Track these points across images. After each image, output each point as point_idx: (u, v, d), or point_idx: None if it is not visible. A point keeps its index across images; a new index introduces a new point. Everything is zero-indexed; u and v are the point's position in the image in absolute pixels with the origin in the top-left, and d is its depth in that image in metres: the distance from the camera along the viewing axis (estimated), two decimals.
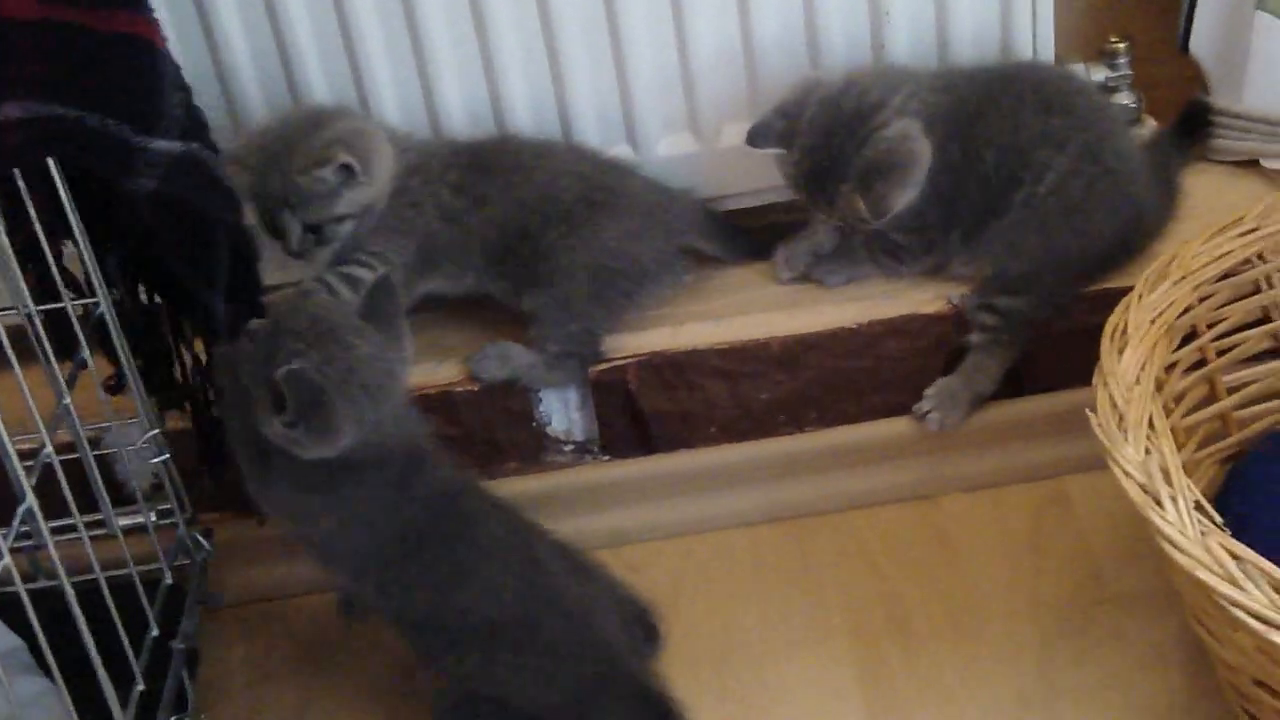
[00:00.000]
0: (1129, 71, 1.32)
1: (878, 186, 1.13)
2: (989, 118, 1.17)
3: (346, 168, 1.14)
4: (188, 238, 1.01)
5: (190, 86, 1.01)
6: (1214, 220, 1.09)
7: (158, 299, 1.12)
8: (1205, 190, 1.28)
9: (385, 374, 0.97)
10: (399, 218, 1.18)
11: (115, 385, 1.10)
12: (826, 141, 1.15)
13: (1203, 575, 0.79)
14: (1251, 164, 1.31)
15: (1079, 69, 1.31)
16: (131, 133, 0.92)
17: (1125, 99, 1.33)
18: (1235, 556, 0.79)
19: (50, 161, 0.97)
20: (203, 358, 1.13)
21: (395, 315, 1.00)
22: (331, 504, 0.99)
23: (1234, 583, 0.78)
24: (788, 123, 1.17)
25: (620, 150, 1.26)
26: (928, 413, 1.19)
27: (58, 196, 1.00)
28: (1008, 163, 1.16)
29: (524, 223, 1.18)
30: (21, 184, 0.96)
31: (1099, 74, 1.32)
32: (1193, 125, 1.31)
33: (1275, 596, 0.77)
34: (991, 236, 1.18)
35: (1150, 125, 1.34)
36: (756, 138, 1.18)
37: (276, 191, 1.14)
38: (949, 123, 1.16)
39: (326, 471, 0.97)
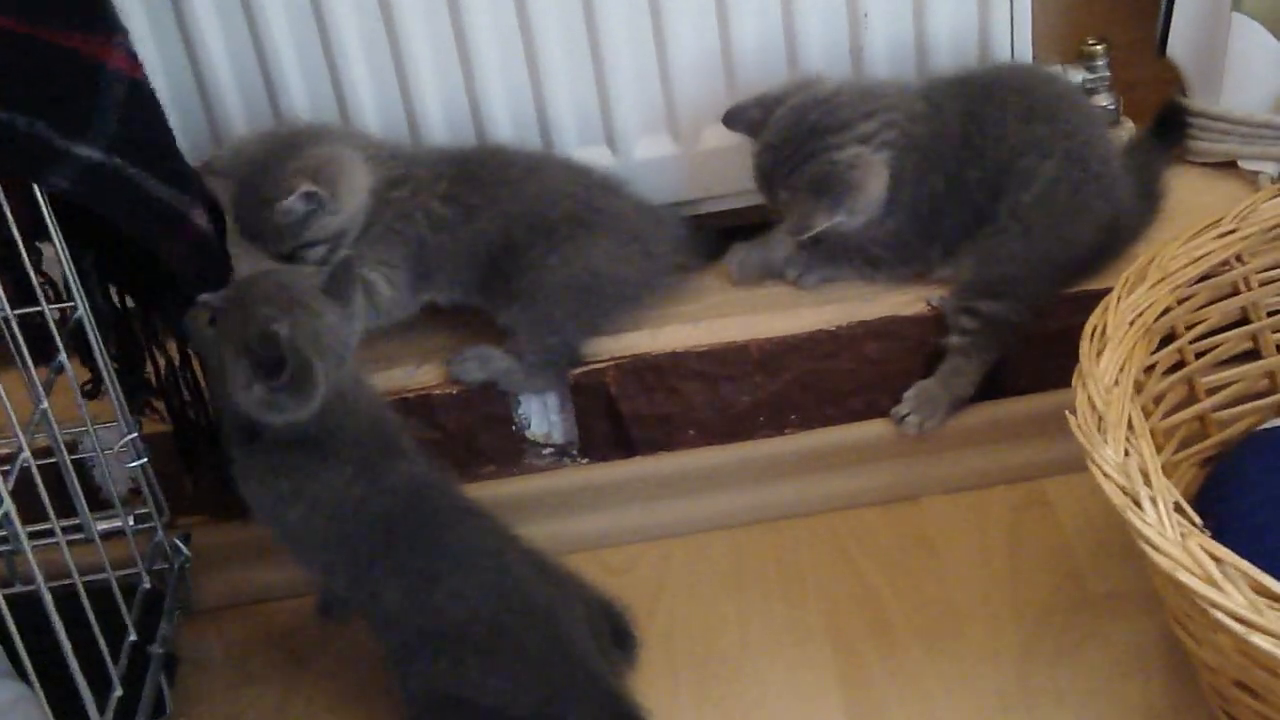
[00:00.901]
0: (1107, 73, 1.33)
1: (807, 203, 1.15)
2: (973, 139, 1.17)
3: (312, 195, 1.13)
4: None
5: (155, 114, 1.01)
6: (1192, 222, 1.09)
7: (129, 301, 1.12)
8: (1184, 191, 1.28)
9: (344, 344, 1.01)
10: (390, 229, 1.18)
11: (93, 389, 1.10)
12: (782, 146, 1.16)
13: (1182, 577, 0.79)
14: (1230, 165, 1.31)
15: (1057, 70, 1.32)
16: (55, 135, 0.94)
17: (1103, 100, 1.33)
18: (1215, 558, 0.79)
19: None
20: (176, 359, 1.13)
21: (351, 294, 1.03)
22: (299, 486, 1.00)
23: (1214, 584, 0.78)
24: (762, 113, 1.18)
25: (598, 152, 1.26)
26: (906, 416, 1.20)
27: (34, 200, 1.00)
28: (992, 176, 1.17)
29: (511, 236, 1.18)
30: None
31: (1077, 75, 1.33)
32: (1169, 127, 1.32)
33: (1255, 598, 0.77)
34: (975, 243, 1.18)
35: (1129, 127, 1.34)
36: (732, 119, 1.20)
37: (249, 221, 1.15)
38: (932, 153, 1.17)
39: (295, 451, 1.00)
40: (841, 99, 1.17)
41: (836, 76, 1.21)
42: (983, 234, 1.18)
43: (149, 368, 1.14)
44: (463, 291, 1.21)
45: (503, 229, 1.18)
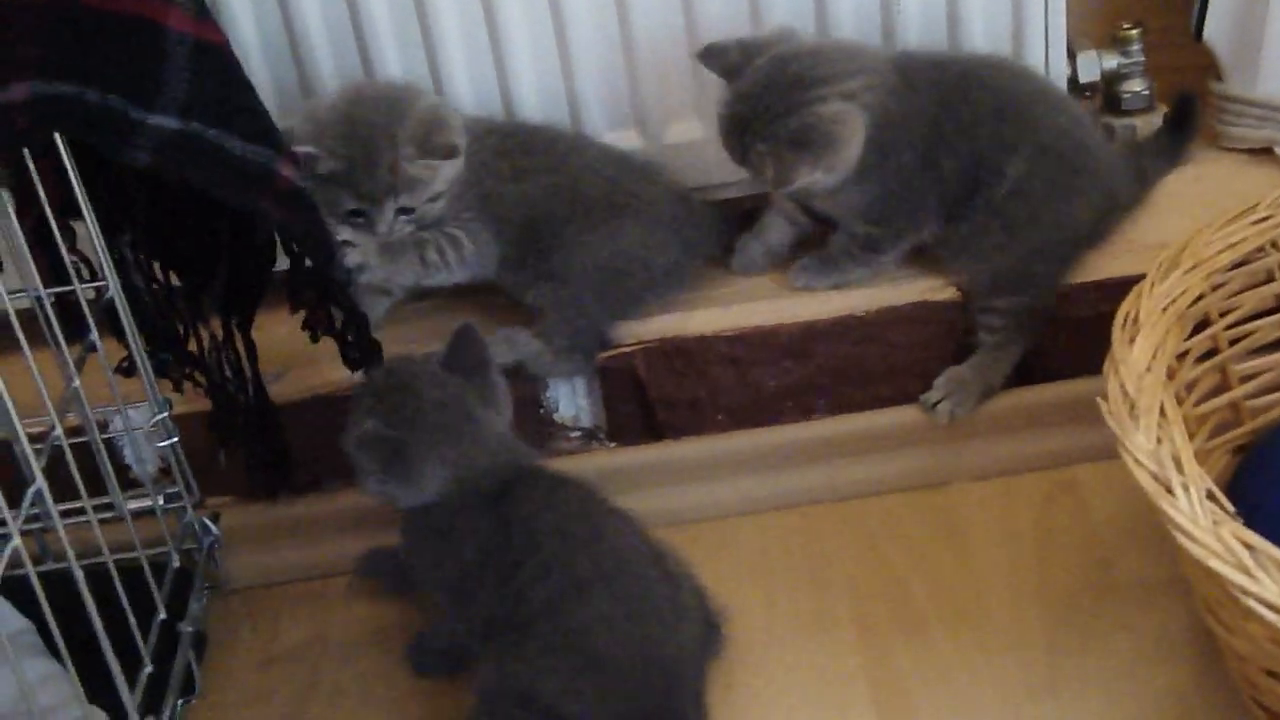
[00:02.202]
0: (1142, 58, 1.32)
1: (788, 156, 1.12)
2: (944, 129, 1.16)
3: (452, 149, 1.14)
4: (192, 213, 1.02)
5: (229, 71, 0.99)
6: (1227, 208, 1.08)
7: (173, 279, 1.12)
8: (1218, 178, 1.27)
9: (462, 415, 1.02)
10: (469, 184, 1.19)
11: (128, 368, 1.10)
12: (760, 96, 1.13)
13: (1214, 564, 0.78)
14: (1265, 152, 1.30)
15: (1090, 56, 1.31)
16: (129, 106, 0.93)
17: (1137, 86, 1.32)
18: (1248, 545, 0.78)
19: (60, 142, 0.98)
20: (220, 335, 1.13)
21: (481, 360, 1.04)
22: (444, 549, 1.02)
23: (1246, 571, 0.77)
24: (741, 58, 1.15)
25: (626, 135, 1.26)
26: (937, 403, 1.19)
27: (67, 179, 1.00)
28: (967, 169, 1.16)
29: (552, 207, 1.18)
30: (31, 165, 0.96)
31: (1111, 60, 1.31)
32: (1181, 119, 1.30)
33: None
34: (966, 240, 1.18)
35: (1162, 113, 1.33)
36: (709, 56, 1.16)
37: (383, 180, 1.14)
38: (905, 128, 1.16)
39: (432, 519, 1.02)
40: (825, 54, 1.15)
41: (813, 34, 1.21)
42: (971, 229, 1.17)
43: (192, 345, 1.14)
44: (498, 263, 1.21)
45: (546, 198, 1.18)
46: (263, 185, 0.99)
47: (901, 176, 1.16)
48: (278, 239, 1.06)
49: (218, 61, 0.97)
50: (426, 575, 1.04)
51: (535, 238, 1.18)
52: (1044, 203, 1.16)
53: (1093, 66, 1.31)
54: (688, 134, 1.27)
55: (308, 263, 1.05)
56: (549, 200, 1.18)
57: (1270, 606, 0.76)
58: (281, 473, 1.18)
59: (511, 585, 0.98)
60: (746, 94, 1.14)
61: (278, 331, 1.14)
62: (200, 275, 1.09)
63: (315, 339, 1.10)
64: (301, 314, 1.09)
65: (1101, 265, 1.20)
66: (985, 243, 1.17)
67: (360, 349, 1.10)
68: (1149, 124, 1.33)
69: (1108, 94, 1.33)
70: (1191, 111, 1.30)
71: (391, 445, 0.99)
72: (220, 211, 1.03)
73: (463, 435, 1.01)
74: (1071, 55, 1.30)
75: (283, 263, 1.08)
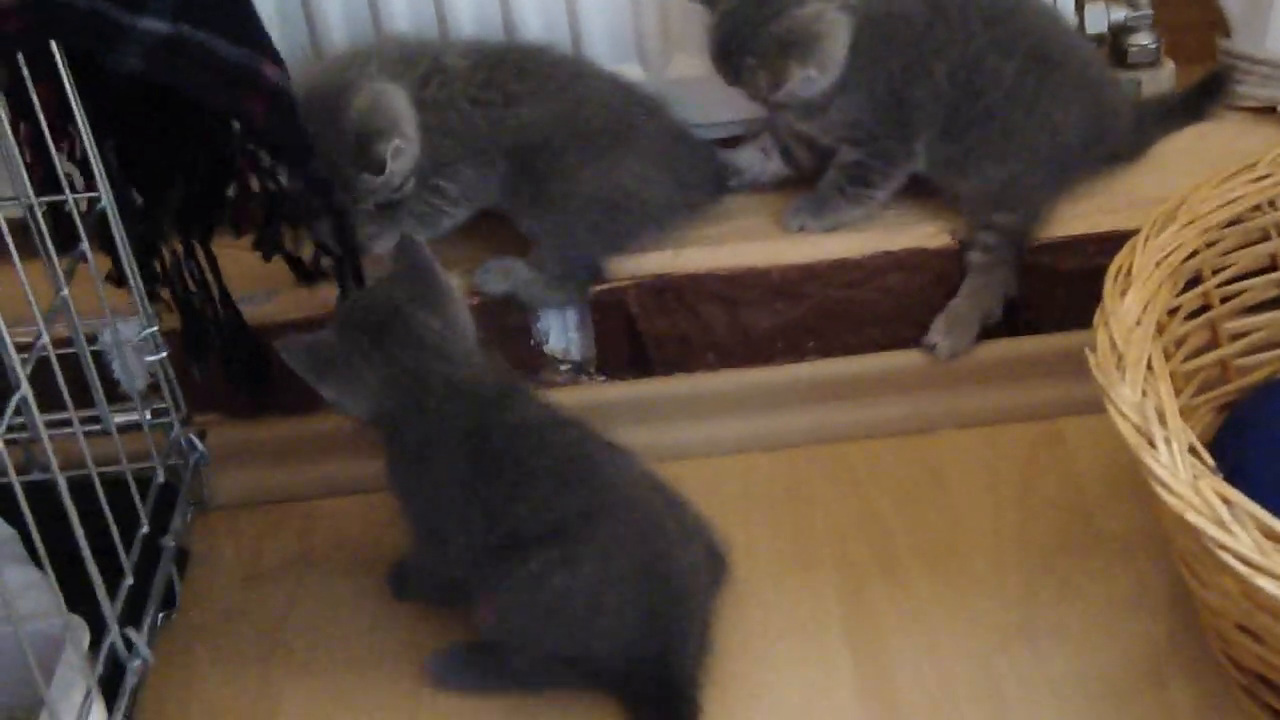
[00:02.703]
0: (1149, 11, 1.31)
1: (777, 61, 1.14)
2: (936, 30, 1.16)
3: (381, 165, 1.11)
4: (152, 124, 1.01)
5: None
6: (1228, 165, 1.08)
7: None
8: (1222, 136, 1.27)
9: (393, 318, 0.99)
10: (431, 129, 1.16)
11: (118, 279, 1.10)
12: (740, 12, 1.15)
13: (1191, 517, 0.79)
14: (1270, 111, 1.29)
15: (1099, 8, 1.30)
16: (117, 10, 0.92)
17: (1144, 39, 1.31)
18: (1225, 500, 0.79)
19: (55, 48, 0.97)
20: (180, 251, 1.13)
21: (423, 270, 1.01)
22: (419, 472, 1.01)
23: (1222, 525, 0.78)
24: None
25: (630, 69, 1.25)
26: (937, 343, 1.19)
27: (60, 88, 0.99)
28: (962, 75, 1.16)
29: (549, 135, 1.17)
30: (25, 71, 0.95)
31: (1119, 13, 1.30)
32: (1209, 91, 1.29)
33: (1262, 540, 0.77)
34: (964, 156, 1.18)
35: (1169, 68, 1.32)
36: None
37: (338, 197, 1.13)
38: (886, 34, 1.16)
39: (405, 440, 1.01)
40: None
41: None
42: (970, 140, 1.17)
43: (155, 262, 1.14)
44: (496, 188, 1.19)
45: (544, 124, 1.17)
46: (248, 88, 0.98)
47: (891, 85, 1.17)
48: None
49: None
50: (404, 500, 1.04)
51: (531, 163, 1.17)
52: (1038, 107, 1.17)
53: (1100, 18, 1.30)
54: (690, 69, 1.26)
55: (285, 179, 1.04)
56: (547, 126, 1.17)
57: (1245, 561, 0.77)
58: (259, 390, 1.18)
59: (505, 520, 0.97)
60: (728, 13, 1.16)
61: None
62: (158, 188, 1.08)
63: (268, 258, 1.10)
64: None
65: (1098, 218, 1.19)
66: (983, 154, 1.17)
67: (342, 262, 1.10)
68: (1155, 78, 1.32)
69: (1114, 46, 1.32)
70: (1222, 86, 1.29)
71: (310, 350, 0.98)
72: (182, 121, 1.01)
73: (394, 337, 0.99)
74: (1080, 7, 1.29)
75: None
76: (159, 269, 1.14)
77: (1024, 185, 1.18)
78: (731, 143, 1.28)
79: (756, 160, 1.25)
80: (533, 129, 1.17)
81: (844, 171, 1.19)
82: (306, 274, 1.17)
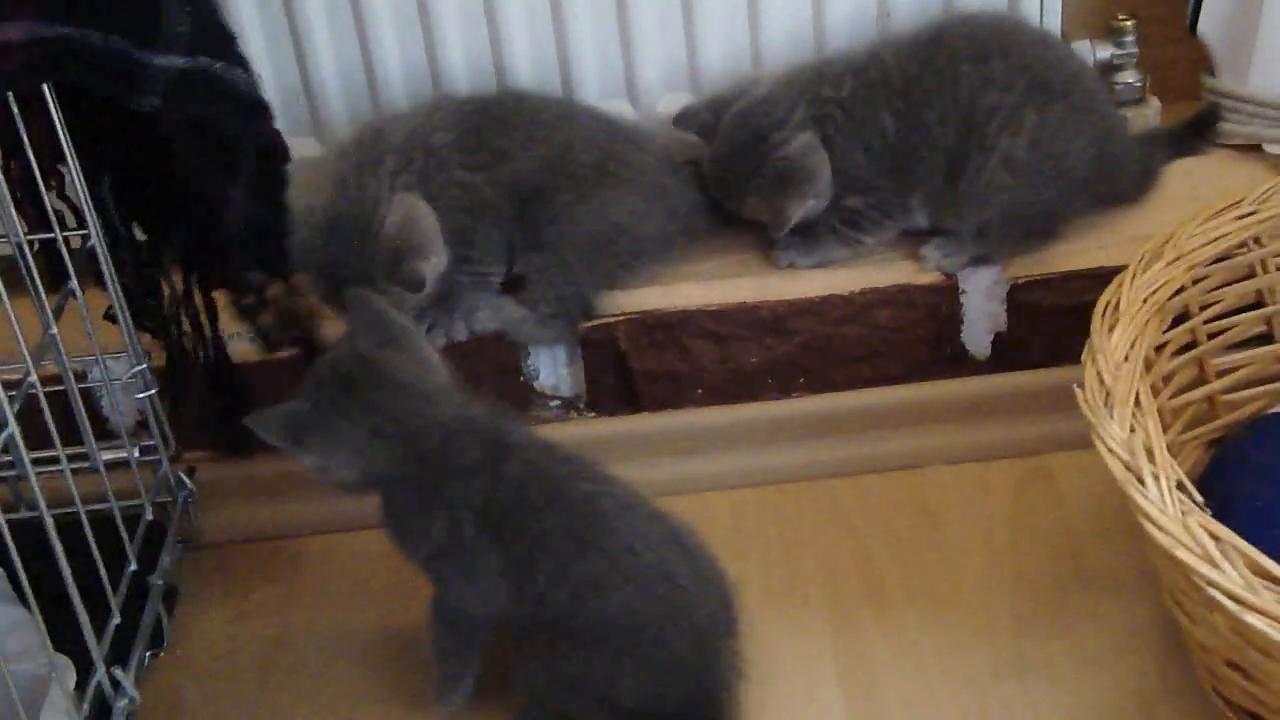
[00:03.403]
0: (1135, 50, 1.32)
1: (776, 200, 1.17)
2: (924, 81, 1.17)
3: (420, 283, 1.12)
4: (193, 157, 1.00)
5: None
6: (1213, 202, 1.08)
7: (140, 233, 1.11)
8: (1206, 173, 1.27)
9: (362, 371, 0.97)
10: (444, 210, 1.15)
11: (111, 317, 1.10)
12: (733, 156, 1.20)
13: (1180, 554, 0.79)
14: (1254, 148, 1.30)
15: (1084, 45, 1.31)
16: (132, 48, 0.91)
17: (1130, 77, 1.32)
18: (1214, 536, 0.79)
19: (45, 87, 0.97)
20: (180, 290, 1.12)
21: (377, 320, 0.98)
22: (422, 524, 0.98)
23: (1211, 562, 0.78)
24: (712, 118, 1.21)
25: (619, 106, 1.26)
26: (928, 252, 1.20)
27: (52, 125, 0.99)
28: (955, 117, 1.16)
29: (540, 182, 1.17)
30: (15, 109, 0.96)
31: (1105, 51, 1.31)
32: (1199, 128, 1.30)
33: (1251, 578, 0.77)
34: (965, 189, 1.17)
35: (1154, 105, 1.33)
36: (684, 120, 1.23)
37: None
38: (871, 99, 1.17)
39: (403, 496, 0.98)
40: (778, 97, 1.19)
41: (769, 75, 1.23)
42: (969, 178, 1.16)
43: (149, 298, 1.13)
44: (506, 237, 1.19)
45: (533, 173, 1.17)
46: (263, 111, 0.99)
47: (885, 141, 1.17)
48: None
49: None
50: (413, 553, 1.00)
51: (527, 209, 1.17)
52: (1041, 136, 1.15)
53: (1086, 57, 1.31)
54: (679, 106, 1.27)
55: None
56: (539, 173, 1.17)
57: (1234, 598, 0.77)
58: (236, 434, 1.17)
59: (528, 588, 0.95)
60: (721, 157, 1.21)
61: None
62: (163, 226, 1.08)
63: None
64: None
65: (1084, 254, 1.20)
66: (987, 183, 1.15)
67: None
68: (1140, 116, 1.33)
69: None
70: (1211, 124, 1.29)
71: (284, 417, 0.95)
72: (191, 159, 1.01)
73: (369, 384, 0.95)
74: (1066, 44, 1.29)
75: None
76: (159, 306, 1.13)
77: (1027, 214, 1.17)
78: None
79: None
80: (526, 178, 1.17)
81: (840, 213, 1.20)
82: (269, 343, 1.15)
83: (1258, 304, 1.11)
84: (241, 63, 0.97)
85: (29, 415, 0.91)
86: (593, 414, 1.25)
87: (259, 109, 0.99)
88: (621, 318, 1.20)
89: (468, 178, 1.17)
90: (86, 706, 0.95)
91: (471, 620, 1.01)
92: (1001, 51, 1.17)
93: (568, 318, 1.19)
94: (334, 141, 1.23)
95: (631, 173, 1.19)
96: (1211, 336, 1.10)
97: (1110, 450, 0.86)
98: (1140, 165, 1.23)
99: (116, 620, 1.01)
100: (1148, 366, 0.99)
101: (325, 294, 1.14)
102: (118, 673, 0.98)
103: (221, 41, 0.96)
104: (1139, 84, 1.33)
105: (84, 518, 0.99)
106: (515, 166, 1.17)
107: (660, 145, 1.24)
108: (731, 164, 1.20)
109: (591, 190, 1.17)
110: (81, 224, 1.06)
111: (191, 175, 1.01)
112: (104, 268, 1.07)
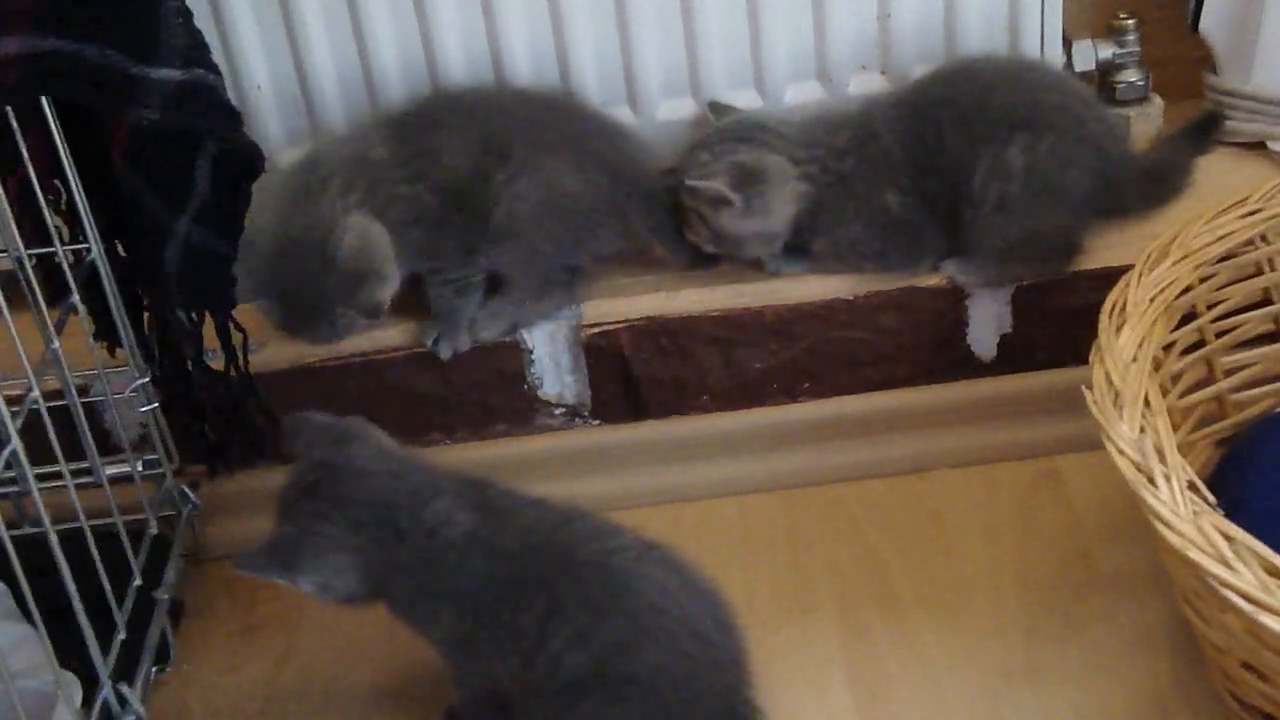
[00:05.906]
0: (1137, 48, 1.31)
1: (707, 211, 1.16)
2: (915, 156, 1.16)
3: (377, 308, 1.13)
4: (145, 181, 1.00)
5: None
6: (1218, 201, 1.08)
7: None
8: (1210, 171, 1.26)
9: (327, 477, 0.96)
10: (397, 227, 1.15)
11: (108, 333, 1.10)
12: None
13: (1194, 555, 0.78)
14: (1258, 146, 1.30)
15: (1085, 45, 1.30)
16: (130, 63, 0.91)
17: (1132, 76, 1.32)
18: (1227, 537, 0.78)
19: (44, 101, 0.96)
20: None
21: (323, 433, 0.98)
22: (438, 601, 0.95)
23: (1225, 563, 0.77)
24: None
25: (620, 112, 1.25)
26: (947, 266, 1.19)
27: (50, 140, 0.99)
28: (947, 190, 1.15)
29: (474, 165, 1.16)
30: (14, 123, 0.95)
31: (1106, 50, 1.31)
32: (1202, 131, 1.29)
33: (1266, 578, 0.76)
34: (969, 240, 1.16)
35: (1157, 103, 1.33)
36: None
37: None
38: (871, 173, 1.16)
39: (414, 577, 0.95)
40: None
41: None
42: (966, 230, 1.16)
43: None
44: (461, 239, 1.18)
45: (464, 158, 1.16)
46: (240, 120, 0.99)
47: (889, 215, 1.16)
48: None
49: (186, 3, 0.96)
50: (425, 632, 0.98)
51: (469, 201, 1.16)
52: (1034, 178, 1.13)
53: (1088, 56, 1.30)
54: (680, 113, 1.26)
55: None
56: (468, 160, 1.16)
57: (1247, 598, 0.76)
58: (228, 452, 1.17)
59: (542, 656, 0.92)
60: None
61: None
62: (151, 245, 1.07)
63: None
64: None
65: (1091, 255, 1.19)
66: (989, 231, 1.15)
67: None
68: (1143, 114, 1.32)
69: (1103, 84, 1.33)
70: (1215, 125, 1.28)
71: (270, 548, 0.93)
72: (140, 184, 1.00)
73: (342, 485, 0.94)
74: (1067, 44, 1.29)
75: None
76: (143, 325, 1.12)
77: (1036, 241, 1.15)
78: None
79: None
80: (461, 169, 1.16)
81: (861, 244, 1.19)
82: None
83: (1265, 302, 1.11)
84: (218, 70, 0.98)
85: (31, 430, 0.90)
86: (598, 422, 1.24)
87: (238, 118, 0.99)
88: (625, 324, 1.20)
89: (408, 190, 1.16)
90: None
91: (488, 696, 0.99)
92: (979, 105, 1.15)
93: (557, 284, 1.19)
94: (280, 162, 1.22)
95: (567, 140, 1.18)
96: (1220, 335, 1.09)
97: (1120, 451, 0.85)
98: (1149, 177, 1.21)
99: (122, 635, 1.00)
100: (1156, 366, 0.98)
101: (280, 319, 1.15)
102: (124, 688, 0.98)
103: (205, 50, 0.97)
104: (1141, 83, 1.32)
105: (88, 532, 0.99)
106: (448, 161, 1.16)
107: (597, 113, 1.22)
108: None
109: (526, 166, 1.16)
110: (75, 238, 1.05)
111: (137, 203, 1.00)
112: (105, 283, 1.07)
